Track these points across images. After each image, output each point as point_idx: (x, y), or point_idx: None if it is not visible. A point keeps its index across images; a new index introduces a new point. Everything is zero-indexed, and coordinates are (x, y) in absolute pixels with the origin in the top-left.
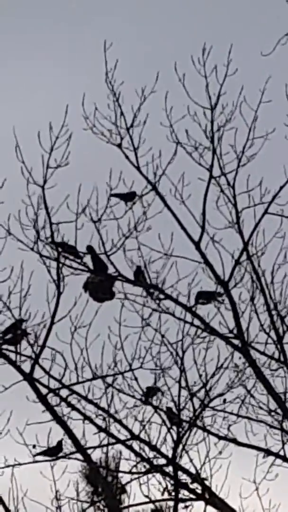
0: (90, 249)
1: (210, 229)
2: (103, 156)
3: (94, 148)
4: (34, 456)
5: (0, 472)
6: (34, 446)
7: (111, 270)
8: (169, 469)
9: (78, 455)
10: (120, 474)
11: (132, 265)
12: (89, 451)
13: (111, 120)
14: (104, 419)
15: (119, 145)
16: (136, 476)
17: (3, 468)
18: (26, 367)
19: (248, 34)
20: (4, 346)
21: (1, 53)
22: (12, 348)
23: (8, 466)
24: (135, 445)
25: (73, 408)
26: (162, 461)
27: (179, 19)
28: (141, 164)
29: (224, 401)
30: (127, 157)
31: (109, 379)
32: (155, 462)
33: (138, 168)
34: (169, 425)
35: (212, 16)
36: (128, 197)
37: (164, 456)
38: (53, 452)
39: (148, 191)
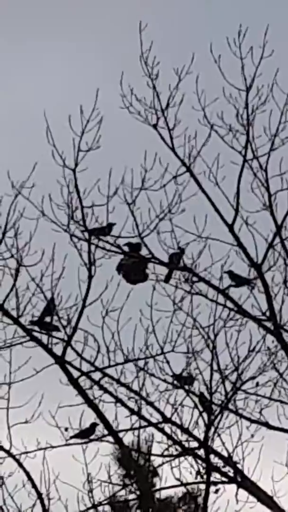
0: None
1: (243, 212)
2: (136, 138)
3: (127, 130)
4: (67, 440)
5: (32, 455)
6: (66, 429)
7: (144, 252)
8: (201, 452)
9: (110, 438)
10: (152, 457)
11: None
12: (121, 434)
13: (146, 102)
14: (136, 401)
15: (155, 126)
16: (168, 459)
17: (35, 451)
18: (58, 350)
19: (284, 14)
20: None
21: (33, 36)
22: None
23: (40, 449)
24: (167, 428)
25: (105, 391)
26: (194, 444)
27: (215, 0)
28: (176, 145)
29: (257, 384)
30: (162, 137)
31: (141, 363)
32: (187, 445)
33: (173, 149)
34: (201, 409)
35: None
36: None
37: (196, 439)
38: (86, 434)
39: (182, 172)
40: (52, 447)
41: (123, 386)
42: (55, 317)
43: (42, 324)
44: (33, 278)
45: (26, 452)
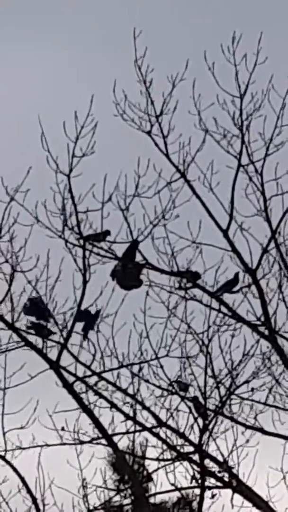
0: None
1: (238, 217)
2: (130, 144)
3: (121, 136)
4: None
5: (29, 452)
6: (62, 428)
7: (138, 258)
8: (196, 457)
9: (105, 443)
10: (146, 462)
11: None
12: (116, 439)
13: (140, 108)
14: (131, 406)
15: (149, 132)
16: (162, 463)
17: (30, 447)
18: (53, 355)
19: (278, 21)
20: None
21: (26, 42)
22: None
23: (35, 446)
24: (162, 432)
25: (100, 396)
26: (189, 448)
27: (209, 7)
28: (170, 152)
29: (252, 390)
30: (156, 144)
31: (136, 368)
32: (182, 450)
33: (167, 155)
34: (195, 415)
35: (242, 3)
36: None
37: (191, 443)
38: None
39: (176, 178)
40: (48, 445)
41: (119, 389)
42: (50, 322)
43: (38, 327)
44: (30, 281)
45: (21, 448)
